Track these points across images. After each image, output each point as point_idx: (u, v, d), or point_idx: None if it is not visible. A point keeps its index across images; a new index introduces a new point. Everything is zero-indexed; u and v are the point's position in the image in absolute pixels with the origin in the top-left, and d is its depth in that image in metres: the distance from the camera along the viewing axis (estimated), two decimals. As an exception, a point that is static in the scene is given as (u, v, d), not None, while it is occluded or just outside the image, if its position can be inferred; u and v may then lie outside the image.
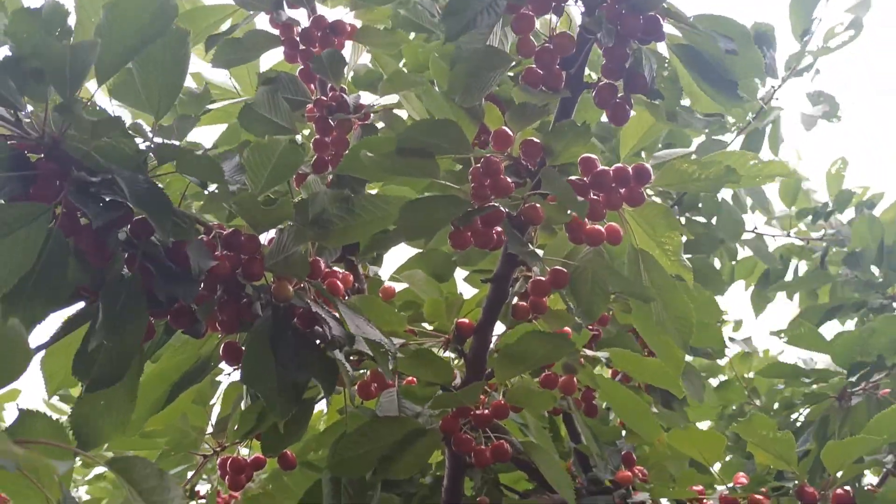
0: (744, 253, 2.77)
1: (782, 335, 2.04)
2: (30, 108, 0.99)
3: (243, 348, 1.29)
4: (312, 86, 1.56)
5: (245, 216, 1.16)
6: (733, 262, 2.70)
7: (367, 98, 1.62)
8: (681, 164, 1.30)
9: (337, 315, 1.24)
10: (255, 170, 1.21)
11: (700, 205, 2.41)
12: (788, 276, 2.80)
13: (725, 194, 2.46)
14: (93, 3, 1.13)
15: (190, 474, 1.63)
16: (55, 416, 1.00)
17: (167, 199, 1.01)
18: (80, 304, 1.14)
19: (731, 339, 2.75)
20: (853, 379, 1.81)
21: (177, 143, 1.32)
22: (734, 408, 2.49)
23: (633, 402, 1.54)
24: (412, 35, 1.66)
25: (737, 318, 3.11)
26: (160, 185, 1.02)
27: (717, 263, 2.62)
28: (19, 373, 0.93)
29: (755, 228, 2.75)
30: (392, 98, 1.68)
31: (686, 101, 1.28)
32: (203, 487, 1.90)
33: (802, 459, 1.48)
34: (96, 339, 1.03)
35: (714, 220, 2.44)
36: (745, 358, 2.72)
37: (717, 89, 1.19)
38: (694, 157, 1.98)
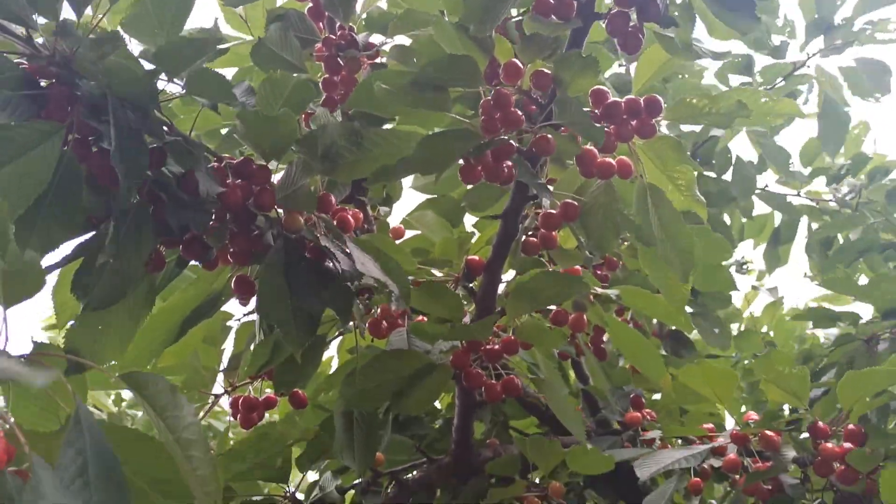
0: (755, 211, 2.75)
1: (815, 279, 2.01)
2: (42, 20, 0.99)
3: (255, 282, 1.29)
4: (321, 24, 1.55)
5: (250, 134, 1.15)
6: (744, 220, 2.68)
7: (378, 39, 1.61)
8: (692, 99, 1.29)
9: (347, 250, 1.24)
10: (267, 102, 1.20)
11: (713, 161, 2.39)
12: (799, 236, 2.78)
13: (739, 150, 2.45)
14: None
15: (202, 414, 1.64)
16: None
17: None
18: (92, 233, 1.15)
19: (755, 288, 2.74)
20: (886, 323, 1.80)
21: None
22: (748, 360, 2.49)
23: (640, 342, 1.54)
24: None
25: (761, 269, 3.09)
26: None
27: (727, 220, 2.61)
28: (34, 291, 0.94)
29: (766, 186, 2.74)
30: (404, 40, 1.68)
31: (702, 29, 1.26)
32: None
33: (820, 398, 1.47)
34: (102, 257, 1.03)
35: (727, 177, 2.43)
36: (769, 308, 2.72)
37: (733, 12, 1.17)
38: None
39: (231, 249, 1.23)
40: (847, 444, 1.39)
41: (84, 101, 0.99)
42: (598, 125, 1.21)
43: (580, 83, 1.24)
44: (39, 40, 1.01)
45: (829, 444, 1.39)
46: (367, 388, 1.33)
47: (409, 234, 1.80)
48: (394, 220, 1.85)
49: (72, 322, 1.15)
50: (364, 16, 1.75)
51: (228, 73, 1.71)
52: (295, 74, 1.47)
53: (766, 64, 2.51)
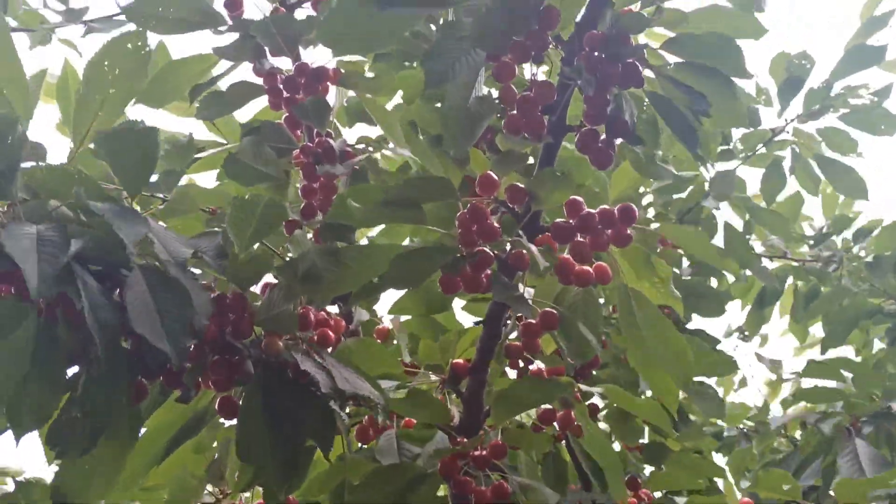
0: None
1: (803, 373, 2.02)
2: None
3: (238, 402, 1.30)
4: (299, 132, 1.56)
5: (228, 276, 1.16)
6: (732, 281, 2.69)
7: (360, 129, 1.63)
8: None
9: (327, 367, 1.25)
10: (239, 227, 1.21)
11: (699, 228, 2.40)
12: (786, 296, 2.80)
13: (728, 217, 2.46)
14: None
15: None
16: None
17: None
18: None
19: (759, 357, 2.75)
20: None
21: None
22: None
23: (608, 452, 1.53)
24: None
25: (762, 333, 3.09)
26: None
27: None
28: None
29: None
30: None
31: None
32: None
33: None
34: (73, 410, 1.04)
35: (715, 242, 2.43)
36: (774, 385, 2.74)
37: (683, 141, 1.19)
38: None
39: (212, 378, 1.24)
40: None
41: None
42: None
43: (555, 198, 1.26)
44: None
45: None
46: (361, 506, 1.33)
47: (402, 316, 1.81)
48: (381, 306, 1.86)
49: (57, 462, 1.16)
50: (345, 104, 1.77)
51: (208, 177, 1.72)
52: (270, 185, 1.50)
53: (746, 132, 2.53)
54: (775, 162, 2.52)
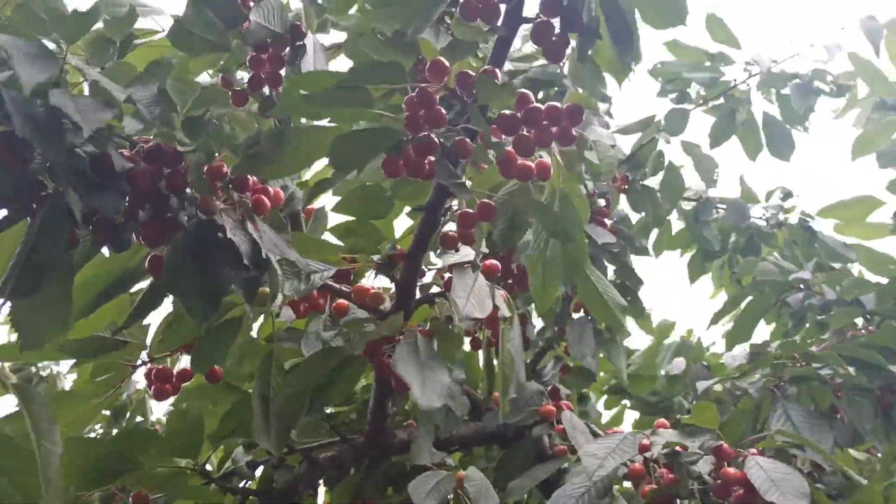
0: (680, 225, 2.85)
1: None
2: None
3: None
4: (251, 2, 1.52)
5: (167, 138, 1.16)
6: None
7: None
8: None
9: (254, 234, 1.25)
10: (180, 95, 1.20)
11: (647, 167, 2.44)
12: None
13: (673, 157, 2.50)
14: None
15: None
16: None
17: (59, 127, 0.99)
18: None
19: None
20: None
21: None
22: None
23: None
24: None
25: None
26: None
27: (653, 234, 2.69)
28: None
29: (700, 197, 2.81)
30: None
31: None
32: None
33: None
34: (22, 252, 1.04)
35: (656, 180, 2.48)
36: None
37: (617, 43, 1.19)
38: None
39: (143, 231, 1.23)
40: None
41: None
42: (497, 141, 1.23)
43: (498, 102, 1.26)
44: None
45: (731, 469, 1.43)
46: (289, 392, 1.35)
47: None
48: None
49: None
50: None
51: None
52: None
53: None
54: (730, 112, 2.57)
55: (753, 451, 1.48)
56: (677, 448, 1.48)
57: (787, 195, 2.75)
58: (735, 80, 2.59)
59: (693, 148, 2.55)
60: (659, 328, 2.87)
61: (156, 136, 1.22)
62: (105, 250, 1.30)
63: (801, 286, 2.33)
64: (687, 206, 2.76)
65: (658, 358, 2.75)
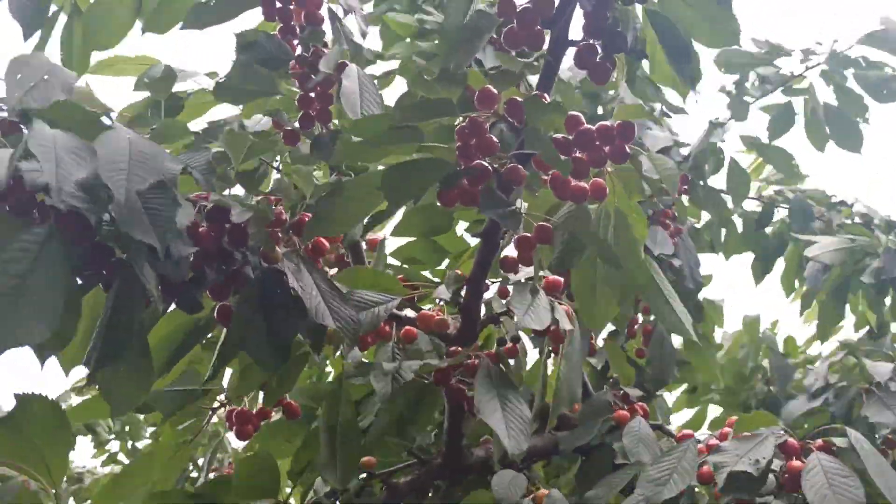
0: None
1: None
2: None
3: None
4: (294, 42, 1.54)
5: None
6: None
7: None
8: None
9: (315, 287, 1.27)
10: (234, 144, 1.23)
11: (707, 165, 2.37)
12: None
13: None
14: None
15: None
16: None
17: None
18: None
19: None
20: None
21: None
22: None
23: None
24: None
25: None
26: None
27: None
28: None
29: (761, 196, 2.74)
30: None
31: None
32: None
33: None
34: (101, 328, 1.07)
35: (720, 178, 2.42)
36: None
37: (675, 62, 1.17)
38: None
39: (211, 286, 1.26)
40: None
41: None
42: (564, 157, 1.22)
43: (547, 122, 1.25)
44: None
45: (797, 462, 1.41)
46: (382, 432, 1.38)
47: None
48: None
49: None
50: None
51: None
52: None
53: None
54: (787, 106, 2.50)
55: (820, 442, 1.46)
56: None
57: (841, 204, 2.66)
58: (792, 72, 2.51)
59: (755, 142, 2.48)
60: (746, 324, 2.82)
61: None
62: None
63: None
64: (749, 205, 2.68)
65: (741, 354, 2.71)
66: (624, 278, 1.29)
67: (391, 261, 1.81)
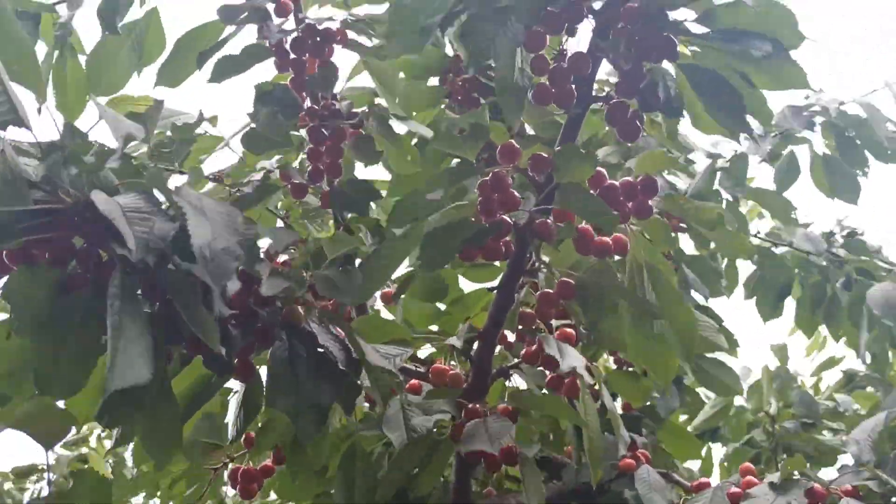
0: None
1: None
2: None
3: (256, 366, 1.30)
4: (304, 94, 1.52)
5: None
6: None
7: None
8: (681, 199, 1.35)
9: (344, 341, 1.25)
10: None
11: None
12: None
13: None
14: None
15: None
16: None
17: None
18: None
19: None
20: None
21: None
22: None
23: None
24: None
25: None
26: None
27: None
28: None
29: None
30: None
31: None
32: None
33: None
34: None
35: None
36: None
37: (723, 113, 1.19)
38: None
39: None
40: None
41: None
42: (614, 213, 1.23)
43: (577, 173, 1.25)
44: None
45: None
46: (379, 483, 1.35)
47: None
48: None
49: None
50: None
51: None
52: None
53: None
54: (791, 155, 2.54)
55: (847, 487, 1.48)
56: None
57: (851, 234, 2.72)
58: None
59: (756, 191, 2.51)
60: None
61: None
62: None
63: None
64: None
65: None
66: (678, 330, 1.29)
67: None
